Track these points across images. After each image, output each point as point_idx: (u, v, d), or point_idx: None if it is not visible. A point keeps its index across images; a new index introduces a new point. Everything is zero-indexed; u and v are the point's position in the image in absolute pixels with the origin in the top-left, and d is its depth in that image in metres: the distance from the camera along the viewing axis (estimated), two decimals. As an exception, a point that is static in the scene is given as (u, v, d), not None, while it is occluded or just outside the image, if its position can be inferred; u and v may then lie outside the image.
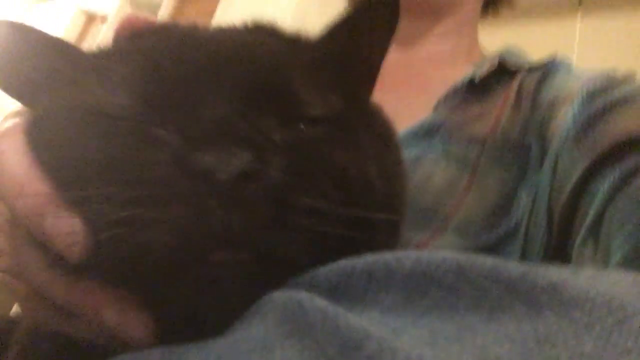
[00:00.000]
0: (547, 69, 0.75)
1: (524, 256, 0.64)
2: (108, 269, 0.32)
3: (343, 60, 0.42)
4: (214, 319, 0.31)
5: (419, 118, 0.74)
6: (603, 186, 0.53)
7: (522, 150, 0.68)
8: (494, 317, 0.26)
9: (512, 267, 0.27)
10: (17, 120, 0.37)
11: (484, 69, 0.77)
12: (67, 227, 0.31)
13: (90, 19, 3.38)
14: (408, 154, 0.69)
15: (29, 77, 0.38)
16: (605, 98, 0.60)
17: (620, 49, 1.68)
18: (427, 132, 0.73)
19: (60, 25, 3.13)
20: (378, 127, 0.43)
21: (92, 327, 0.34)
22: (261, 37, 0.41)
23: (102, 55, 0.39)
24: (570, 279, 0.26)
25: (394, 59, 0.84)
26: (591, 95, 0.62)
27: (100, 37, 2.80)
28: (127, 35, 0.40)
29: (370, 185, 0.38)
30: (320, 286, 0.29)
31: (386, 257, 0.29)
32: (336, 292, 0.29)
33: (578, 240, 0.56)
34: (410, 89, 0.81)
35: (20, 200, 0.33)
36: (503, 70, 0.77)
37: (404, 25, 0.85)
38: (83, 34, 3.30)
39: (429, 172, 0.68)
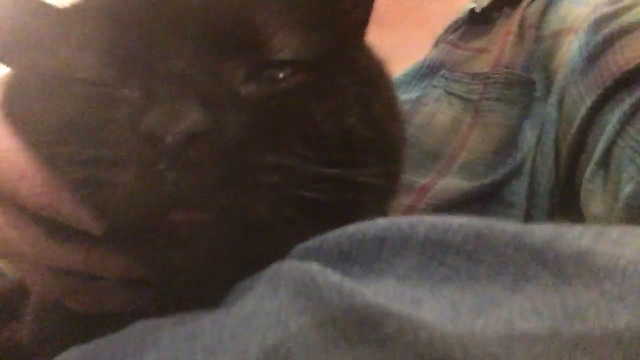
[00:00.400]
0: None
1: (530, 193, 0.64)
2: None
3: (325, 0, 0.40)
4: (191, 279, 0.32)
5: (419, 55, 0.72)
6: (612, 117, 0.52)
7: (526, 85, 0.66)
8: (518, 287, 0.24)
9: (536, 232, 0.25)
10: None
11: (485, 0, 0.74)
12: (85, 213, 0.32)
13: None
14: (409, 94, 0.68)
15: (6, 38, 0.37)
16: (611, 26, 0.58)
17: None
18: (428, 71, 0.70)
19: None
20: (362, 67, 0.41)
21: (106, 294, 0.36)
22: None
23: (71, 12, 0.38)
24: (599, 246, 0.25)
25: None
26: (597, 24, 0.60)
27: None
28: None
29: (351, 136, 0.36)
30: (330, 252, 0.28)
31: (400, 222, 0.28)
32: (348, 258, 0.28)
33: (587, 173, 0.55)
34: (409, 25, 0.78)
35: (24, 187, 0.33)
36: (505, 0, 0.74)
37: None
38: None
39: (431, 112, 0.67)
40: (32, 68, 0.36)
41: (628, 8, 0.60)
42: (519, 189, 0.63)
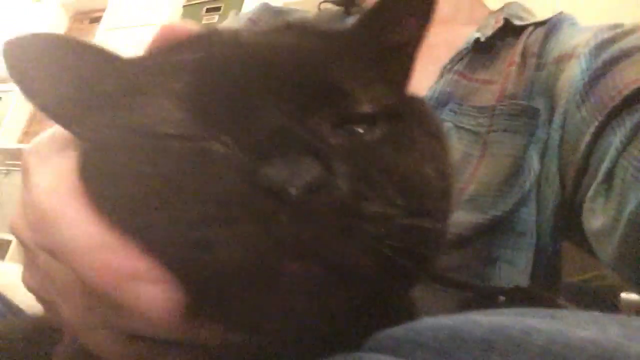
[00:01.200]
0: (552, 25, 0.73)
1: (538, 218, 0.64)
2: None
3: (380, 49, 0.40)
4: (289, 333, 0.31)
5: (425, 84, 0.73)
6: (615, 139, 0.53)
7: (531, 114, 0.67)
8: None
9: None
10: (63, 159, 0.34)
11: (489, 28, 0.75)
12: (162, 298, 0.29)
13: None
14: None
15: (68, 96, 0.35)
16: (612, 50, 0.59)
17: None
18: (437, 104, 0.71)
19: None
20: (428, 120, 0.41)
21: None
22: (298, 35, 0.39)
23: (142, 63, 0.36)
24: None
25: None
26: (598, 48, 0.61)
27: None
28: (163, 46, 0.37)
29: (429, 188, 0.36)
30: (427, 347, 0.27)
31: (507, 325, 0.27)
32: (448, 357, 0.27)
33: (590, 192, 0.56)
34: None
35: (98, 269, 0.29)
36: (508, 28, 0.76)
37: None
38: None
39: None
40: (103, 128, 0.33)
41: (627, 33, 0.62)
42: (529, 216, 0.64)
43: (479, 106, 0.70)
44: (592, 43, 0.62)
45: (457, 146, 0.67)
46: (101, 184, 0.32)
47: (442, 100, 0.71)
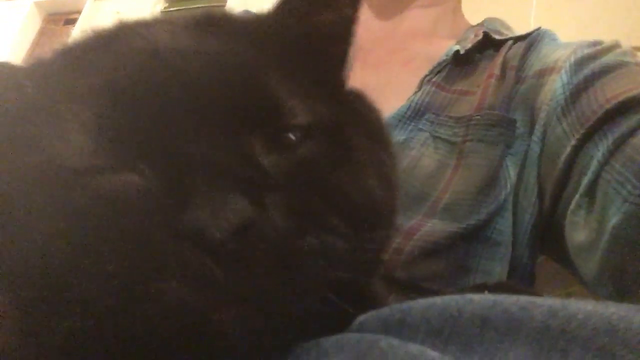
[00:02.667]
0: (533, 39, 0.74)
1: (514, 230, 0.64)
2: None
3: (308, 34, 0.37)
4: None
5: (404, 95, 0.73)
6: (597, 152, 0.53)
7: (507, 124, 0.67)
8: None
9: None
10: None
11: (469, 41, 0.76)
12: None
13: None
14: (396, 137, 0.68)
15: None
16: (592, 66, 0.60)
17: (576, 14, 1.72)
18: (414, 114, 0.71)
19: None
20: (367, 120, 0.38)
21: None
22: (222, 36, 0.35)
23: (48, 81, 0.32)
24: None
25: (376, 32, 0.83)
26: (579, 64, 0.62)
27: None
28: (75, 46, 0.34)
29: (374, 203, 0.34)
30: (416, 328, 0.26)
31: (503, 301, 0.25)
32: (438, 336, 0.25)
33: (572, 205, 0.56)
34: (394, 65, 0.79)
35: None
36: (488, 42, 0.76)
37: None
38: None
39: (417, 155, 0.67)
40: (4, 169, 0.29)
41: (607, 49, 0.63)
42: (504, 226, 0.63)
43: (456, 116, 0.70)
44: (573, 58, 0.63)
45: (434, 156, 0.67)
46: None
47: (420, 110, 0.71)
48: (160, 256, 0.26)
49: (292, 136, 0.32)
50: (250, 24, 0.37)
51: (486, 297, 0.26)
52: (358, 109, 0.39)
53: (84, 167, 0.28)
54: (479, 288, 0.52)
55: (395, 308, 0.27)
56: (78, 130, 0.29)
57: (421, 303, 0.27)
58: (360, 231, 0.31)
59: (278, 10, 0.38)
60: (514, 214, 0.64)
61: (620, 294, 0.49)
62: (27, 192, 0.28)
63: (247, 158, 0.29)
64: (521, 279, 0.64)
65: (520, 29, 0.79)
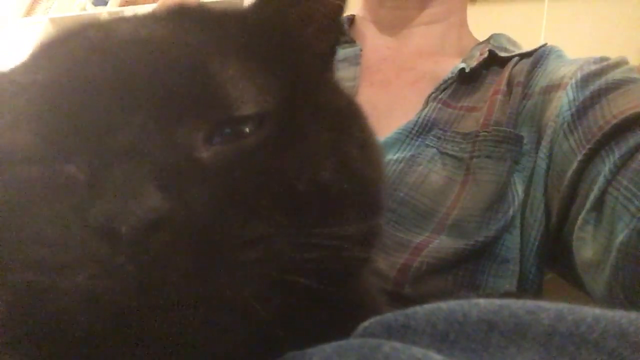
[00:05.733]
0: (538, 56, 0.74)
1: (521, 246, 0.64)
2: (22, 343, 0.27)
3: (280, 27, 0.36)
4: None
5: (411, 114, 0.73)
6: (604, 168, 0.53)
7: (514, 140, 0.67)
8: None
9: None
10: None
11: (474, 60, 0.76)
12: None
13: None
14: (403, 153, 0.68)
15: None
16: (599, 82, 0.60)
17: (586, 30, 1.72)
18: (421, 130, 0.71)
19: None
20: (331, 109, 0.37)
21: None
22: (183, 25, 0.35)
23: (4, 82, 0.33)
24: None
25: (382, 51, 0.84)
26: (585, 80, 0.62)
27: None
28: (35, 50, 0.34)
29: (328, 192, 0.32)
30: (421, 332, 0.25)
31: (510, 305, 0.25)
32: (444, 340, 0.25)
33: (579, 221, 0.55)
34: (401, 84, 0.80)
35: None
36: (493, 59, 0.77)
37: (390, 7, 0.84)
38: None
39: (425, 171, 0.67)
40: None
41: (613, 66, 0.63)
42: (512, 243, 0.63)
43: (463, 132, 0.70)
44: (579, 75, 0.63)
45: (441, 172, 0.67)
46: None
47: (427, 126, 0.72)
48: (70, 246, 0.25)
49: (245, 129, 0.31)
50: (222, 15, 0.37)
51: (492, 302, 0.25)
52: (322, 99, 0.37)
53: (24, 157, 0.29)
54: (487, 296, 0.52)
55: (399, 313, 0.27)
56: (25, 123, 0.29)
57: (425, 308, 0.27)
58: (307, 225, 0.29)
59: (258, 2, 0.37)
60: (521, 230, 0.64)
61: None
62: None
63: (177, 148, 0.28)
64: (528, 292, 0.64)
65: (530, 44, 0.79)
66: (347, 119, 0.38)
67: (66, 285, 0.25)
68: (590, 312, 0.24)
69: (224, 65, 0.31)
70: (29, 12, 3.09)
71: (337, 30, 0.39)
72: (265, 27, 0.36)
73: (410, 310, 0.27)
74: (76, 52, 0.32)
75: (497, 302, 0.25)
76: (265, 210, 0.28)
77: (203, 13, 0.37)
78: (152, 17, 0.36)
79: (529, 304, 0.25)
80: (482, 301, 0.26)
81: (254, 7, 0.37)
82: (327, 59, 0.40)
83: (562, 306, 0.24)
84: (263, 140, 0.31)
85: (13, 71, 0.33)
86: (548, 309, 0.24)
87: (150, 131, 0.28)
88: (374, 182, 0.37)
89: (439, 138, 0.70)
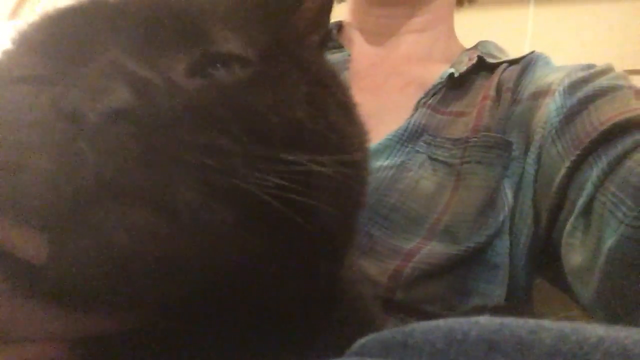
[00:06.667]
0: (526, 63, 0.75)
1: (511, 252, 0.64)
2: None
3: None
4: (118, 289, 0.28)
5: (400, 120, 0.73)
6: (592, 174, 0.54)
7: (504, 146, 0.68)
8: None
9: None
10: None
11: (463, 65, 0.77)
12: (29, 242, 0.29)
13: None
14: (393, 159, 0.68)
15: None
16: (586, 89, 0.61)
17: (571, 37, 1.74)
18: (411, 136, 0.72)
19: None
20: (313, 68, 0.38)
21: None
22: None
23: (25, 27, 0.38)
24: None
25: (371, 57, 0.84)
26: (573, 87, 0.62)
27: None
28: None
29: (298, 130, 0.32)
30: (419, 350, 0.25)
31: (511, 325, 0.24)
32: (444, 359, 0.24)
33: (567, 227, 0.56)
34: (390, 90, 0.80)
35: None
36: (482, 65, 0.77)
37: (378, 16, 0.85)
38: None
39: (415, 177, 0.67)
40: None
41: (601, 73, 0.64)
42: (503, 249, 0.64)
43: (453, 138, 0.70)
44: (567, 81, 0.64)
45: (432, 178, 0.68)
46: None
47: (417, 132, 0.72)
48: (42, 128, 0.27)
49: (224, 70, 0.33)
50: None
51: (492, 320, 0.25)
52: (306, 57, 0.39)
53: (31, 76, 0.32)
54: (480, 311, 0.52)
55: (397, 330, 0.27)
56: (28, 50, 0.34)
57: (424, 325, 0.26)
58: (276, 151, 0.30)
59: None
60: (510, 236, 0.65)
61: (618, 316, 0.49)
62: None
63: (155, 68, 0.30)
64: (518, 302, 0.64)
65: (515, 52, 0.80)
66: (329, 80, 0.39)
67: (29, 164, 0.27)
68: (593, 331, 0.23)
69: (209, 8, 0.34)
70: (13, 15, 3.06)
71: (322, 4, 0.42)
72: None
73: (408, 328, 0.26)
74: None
75: (498, 320, 0.25)
76: (227, 127, 0.29)
77: None
78: None
79: (531, 323, 0.25)
80: (482, 319, 0.25)
81: None
82: (312, 26, 0.42)
83: (565, 325, 0.24)
84: (241, 80, 0.33)
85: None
86: (550, 328, 0.24)
87: (132, 53, 0.30)
88: (354, 141, 0.37)
89: (429, 144, 0.71)
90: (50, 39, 0.34)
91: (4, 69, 0.34)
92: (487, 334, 0.24)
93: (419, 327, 0.26)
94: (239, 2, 0.37)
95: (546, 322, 0.24)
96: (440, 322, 0.26)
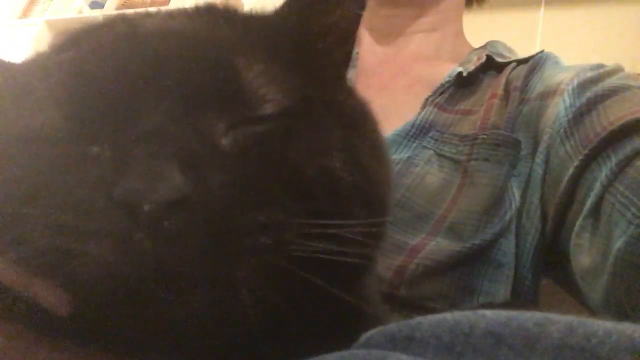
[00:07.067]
0: (535, 62, 0.74)
1: (517, 251, 0.64)
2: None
3: (304, 35, 0.38)
4: None
5: (408, 116, 0.73)
6: (600, 174, 0.53)
7: (512, 144, 0.67)
8: None
9: None
10: None
11: (472, 64, 0.76)
12: (54, 297, 0.28)
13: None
14: (400, 154, 0.68)
15: None
16: (595, 89, 0.60)
17: (581, 40, 1.73)
18: (418, 132, 0.71)
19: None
20: (346, 110, 0.39)
21: None
22: (211, 22, 0.37)
23: (29, 68, 0.35)
24: None
25: (379, 56, 0.84)
26: (582, 87, 0.62)
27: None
28: (64, 38, 0.36)
29: (336, 183, 0.33)
30: (425, 344, 0.25)
31: (519, 318, 0.24)
32: (449, 352, 0.24)
33: (576, 228, 0.55)
34: (398, 88, 0.80)
35: None
36: (490, 64, 0.77)
37: (387, 16, 0.85)
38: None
39: (422, 173, 0.67)
40: None
41: (610, 73, 0.63)
42: (508, 248, 0.63)
43: (461, 134, 0.70)
44: (576, 81, 0.63)
45: (438, 173, 0.67)
46: None
47: (424, 128, 0.72)
48: (94, 218, 0.27)
49: (262, 127, 0.32)
50: (248, 16, 0.39)
51: (499, 313, 0.25)
52: (338, 100, 0.39)
53: (51, 137, 0.30)
54: (487, 307, 0.52)
55: (403, 324, 0.27)
56: (52, 106, 0.31)
57: (430, 319, 0.26)
58: (316, 215, 0.30)
59: (282, 6, 0.39)
60: (517, 236, 0.64)
61: (627, 318, 0.49)
62: (11, 154, 0.31)
63: (200, 134, 0.30)
64: (525, 301, 0.64)
65: (525, 53, 0.80)
66: (361, 119, 0.40)
67: (87, 252, 0.26)
68: (601, 325, 0.23)
69: (249, 63, 0.33)
70: (25, 13, 3.08)
71: (354, 39, 0.41)
72: (288, 31, 0.38)
73: (414, 321, 0.26)
74: (105, 40, 0.34)
75: (505, 313, 0.25)
76: (277, 196, 0.30)
77: (230, 12, 0.39)
78: (180, 12, 0.38)
79: (538, 315, 0.24)
80: (488, 312, 0.25)
81: (278, 12, 0.39)
82: (342, 67, 0.42)
83: (572, 319, 0.24)
84: (279, 130, 0.32)
85: (40, 57, 0.36)
86: (557, 321, 0.24)
87: (175, 117, 0.30)
88: (383, 182, 0.38)
89: (437, 140, 0.70)
90: (74, 88, 0.31)
91: (21, 123, 0.32)
92: (493, 327, 0.24)
93: (426, 320, 0.26)
94: (273, 47, 0.36)
95: (553, 315, 0.24)
96: (447, 316, 0.26)
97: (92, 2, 2.81)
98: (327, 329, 0.32)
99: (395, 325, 0.27)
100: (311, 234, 0.29)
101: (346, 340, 0.28)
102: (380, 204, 0.37)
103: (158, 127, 0.29)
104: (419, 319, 0.26)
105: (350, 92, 0.41)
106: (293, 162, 0.32)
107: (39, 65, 0.35)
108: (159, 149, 0.28)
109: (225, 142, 0.31)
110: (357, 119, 0.39)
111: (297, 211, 0.30)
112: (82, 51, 0.33)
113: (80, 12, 2.79)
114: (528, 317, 0.24)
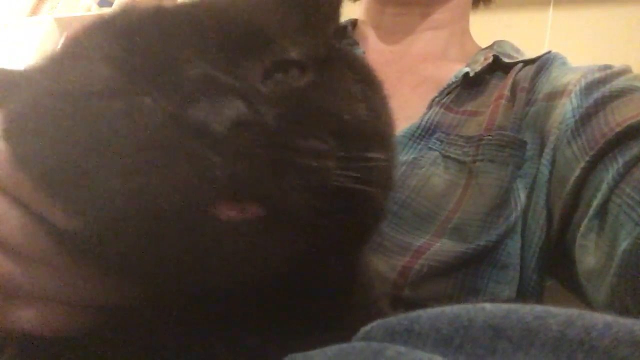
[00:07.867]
0: (542, 63, 0.74)
1: (522, 253, 0.63)
2: (110, 238, 0.30)
3: (311, 10, 0.42)
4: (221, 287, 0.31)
5: (414, 117, 0.73)
6: (607, 175, 0.53)
7: (517, 145, 0.67)
8: None
9: None
10: None
11: (479, 64, 0.76)
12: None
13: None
14: (405, 156, 0.68)
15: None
16: (603, 90, 0.60)
17: (589, 40, 1.72)
18: (424, 133, 0.71)
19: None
20: (357, 66, 0.42)
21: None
22: None
23: (82, 38, 0.38)
24: None
25: (385, 55, 0.84)
26: (589, 88, 0.62)
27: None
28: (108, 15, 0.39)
29: (363, 126, 0.36)
30: (424, 336, 0.25)
31: (518, 310, 0.24)
32: (448, 345, 0.24)
33: (581, 229, 0.55)
34: (404, 88, 0.80)
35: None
36: (497, 65, 0.77)
37: (393, 15, 0.84)
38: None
39: (427, 174, 0.67)
40: (36, 95, 0.35)
41: (618, 74, 0.63)
42: (513, 249, 0.63)
43: (466, 136, 0.70)
44: (583, 82, 0.63)
45: (443, 175, 0.67)
46: (30, 146, 0.33)
47: (430, 129, 0.72)
48: (168, 147, 0.29)
49: (290, 76, 0.35)
50: None
51: (499, 306, 0.25)
52: (346, 55, 0.43)
53: (103, 91, 0.33)
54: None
55: (402, 317, 0.27)
56: (101, 62, 0.34)
57: (429, 312, 0.26)
58: (349, 147, 0.33)
59: None
60: (522, 236, 0.64)
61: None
62: (63, 110, 0.32)
63: (243, 78, 0.33)
64: (529, 300, 0.64)
65: (534, 52, 0.79)
66: (374, 77, 0.43)
67: (166, 181, 0.28)
68: (601, 318, 0.23)
69: (274, 21, 0.38)
70: (34, 11, 3.10)
71: (339, 15, 0.45)
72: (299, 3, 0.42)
73: (413, 314, 0.26)
74: (146, 12, 0.37)
75: (504, 306, 0.25)
76: (318, 132, 0.32)
77: None
78: None
79: (537, 308, 0.24)
80: (488, 305, 0.25)
81: None
82: (334, 20, 0.45)
83: (572, 312, 0.24)
84: (308, 83, 0.36)
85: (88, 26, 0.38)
86: (557, 314, 0.24)
87: (219, 65, 0.33)
88: (392, 129, 0.42)
89: (442, 141, 0.70)
90: (120, 51, 0.34)
91: (70, 81, 0.34)
92: (493, 320, 0.24)
93: (425, 313, 0.26)
94: (288, 13, 0.40)
95: (553, 308, 0.24)
96: (446, 309, 0.26)
97: (101, 0, 2.82)
98: (328, 319, 0.34)
99: (395, 318, 0.27)
100: (348, 166, 0.32)
101: (345, 333, 0.29)
102: (392, 148, 0.40)
103: (204, 74, 0.31)
104: (418, 312, 0.27)
105: (358, 55, 0.45)
106: (326, 107, 0.35)
107: (90, 32, 0.37)
108: (213, 88, 0.30)
109: (264, 89, 0.34)
110: (371, 77, 0.43)
111: (334, 144, 0.33)
112: (126, 19, 0.36)
113: (89, 10, 2.80)
114: (527, 310, 0.24)
